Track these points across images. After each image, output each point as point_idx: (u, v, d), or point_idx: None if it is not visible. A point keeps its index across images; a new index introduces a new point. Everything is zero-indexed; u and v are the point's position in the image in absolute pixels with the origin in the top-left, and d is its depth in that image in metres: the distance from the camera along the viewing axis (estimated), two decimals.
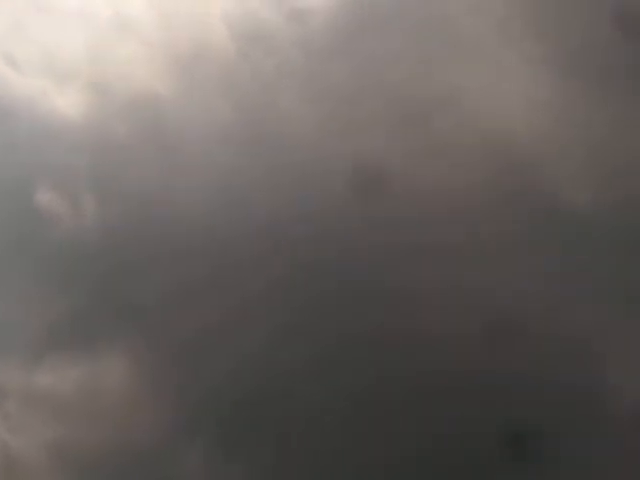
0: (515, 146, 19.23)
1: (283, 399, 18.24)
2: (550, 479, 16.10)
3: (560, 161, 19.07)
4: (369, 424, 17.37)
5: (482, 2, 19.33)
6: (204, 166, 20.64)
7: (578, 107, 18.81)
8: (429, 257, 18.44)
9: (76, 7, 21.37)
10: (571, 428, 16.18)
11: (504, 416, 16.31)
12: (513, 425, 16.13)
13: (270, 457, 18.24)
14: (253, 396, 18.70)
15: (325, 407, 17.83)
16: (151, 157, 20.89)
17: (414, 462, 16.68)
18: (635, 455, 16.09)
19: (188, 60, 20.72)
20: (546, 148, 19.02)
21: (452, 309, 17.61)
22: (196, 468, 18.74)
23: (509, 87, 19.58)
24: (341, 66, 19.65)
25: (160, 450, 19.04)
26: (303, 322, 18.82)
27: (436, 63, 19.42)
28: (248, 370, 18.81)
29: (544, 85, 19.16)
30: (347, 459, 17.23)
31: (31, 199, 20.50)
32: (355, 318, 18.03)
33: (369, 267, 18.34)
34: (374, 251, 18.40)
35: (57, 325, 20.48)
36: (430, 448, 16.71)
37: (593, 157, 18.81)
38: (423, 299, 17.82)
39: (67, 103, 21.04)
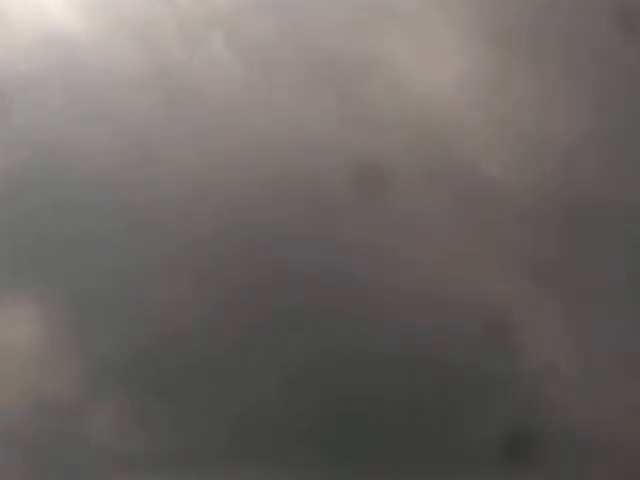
0: (438, 114, 19.30)
1: (194, 353, 18.25)
2: None
3: (482, 132, 19.32)
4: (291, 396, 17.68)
5: None
6: (116, 116, 19.72)
7: (506, 77, 18.97)
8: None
9: None
10: None
11: None
12: None
13: (178, 417, 18.34)
14: (162, 351, 18.59)
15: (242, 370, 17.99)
16: (59, 101, 19.78)
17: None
18: None
19: None
20: (470, 118, 19.19)
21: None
22: (105, 427, 18.65)
23: (437, 53, 19.50)
24: (268, 25, 19.04)
25: (69, 408, 18.82)
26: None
27: (363, 27, 19.08)
28: (159, 322, 18.64)
29: (473, 52, 19.16)
30: (262, 428, 17.54)
31: None
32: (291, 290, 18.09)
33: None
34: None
35: None
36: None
37: (516, 131, 19.15)
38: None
39: None
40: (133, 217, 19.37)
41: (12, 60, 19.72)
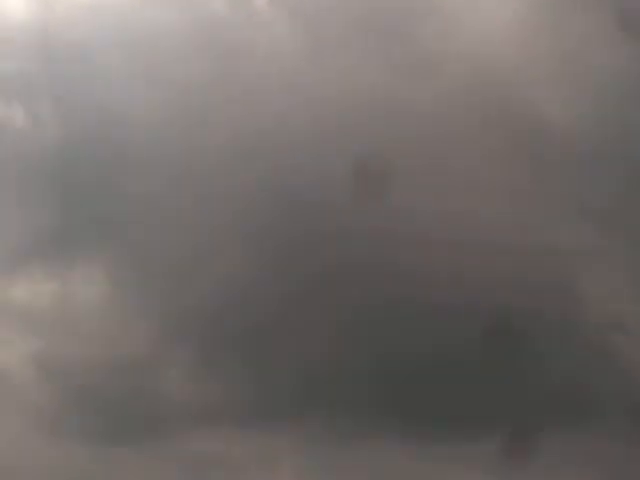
0: (495, 59, 18.73)
1: (263, 315, 18.64)
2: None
3: (540, 75, 18.71)
4: (357, 334, 17.94)
5: None
6: (168, 78, 19.80)
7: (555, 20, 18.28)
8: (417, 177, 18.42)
9: None
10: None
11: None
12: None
13: (249, 374, 18.88)
14: (233, 312, 19.04)
15: (308, 320, 18.31)
16: (114, 65, 19.92)
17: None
18: None
19: None
20: (525, 62, 18.58)
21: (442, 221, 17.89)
22: (181, 382, 19.37)
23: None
24: None
25: (141, 363, 19.52)
26: (286, 237, 18.89)
27: None
28: (228, 285, 19.04)
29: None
30: (330, 372, 17.87)
31: None
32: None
33: None
34: None
35: (31, 239, 20.32)
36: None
37: (575, 73, 18.47)
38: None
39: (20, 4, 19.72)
40: (192, 180, 19.64)
41: (67, 28, 19.93)
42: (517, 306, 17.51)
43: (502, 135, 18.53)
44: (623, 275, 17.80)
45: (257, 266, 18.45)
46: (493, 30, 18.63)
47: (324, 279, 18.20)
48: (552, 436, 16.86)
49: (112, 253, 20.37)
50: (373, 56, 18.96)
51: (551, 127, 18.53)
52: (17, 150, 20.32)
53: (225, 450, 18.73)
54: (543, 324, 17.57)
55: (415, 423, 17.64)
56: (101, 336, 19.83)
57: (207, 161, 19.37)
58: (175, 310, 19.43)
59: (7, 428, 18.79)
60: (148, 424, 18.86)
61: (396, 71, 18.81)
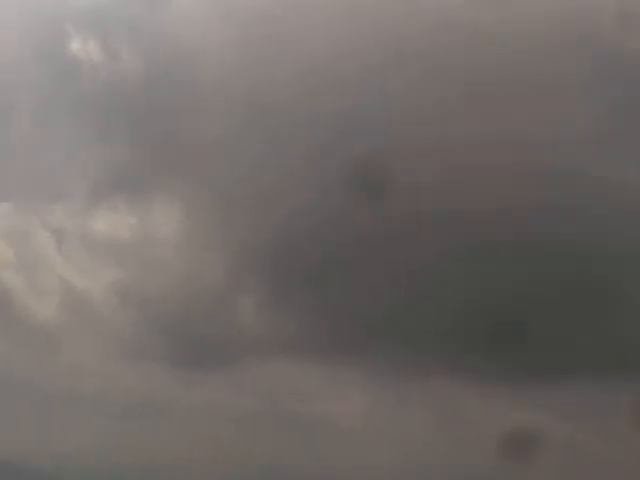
0: None
1: (341, 249, 18.74)
2: None
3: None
4: (438, 273, 17.93)
5: None
6: (243, 6, 19.66)
7: None
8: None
9: None
10: None
11: None
12: None
13: (324, 306, 19.18)
14: (310, 245, 19.17)
15: (378, 263, 18.40)
16: (189, 2, 19.93)
17: None
18: None
19: None
20: None
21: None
22: (250, 313, 19.88)
23: None
24: None
25: (217, 293, 20.08)
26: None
27: None
28: (305, 218, 19.09)
29: None
30: (408, 308, 17.97)
31: (64, 49, 20.07)
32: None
33: None
34: None
35: (110, 172, 20.84)
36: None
37: None
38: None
39: None
40: (267, 114, 19.57)
41: None
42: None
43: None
44: None
45: (337, 200, 18.47)
46: None
47: (407, 220, 18.13)
48: None
49: (190, 187, 20.79)
50: None
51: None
52: (95, 86, 20.65)
53: (297, 379, 19.31)
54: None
55: (495, 362, 17.67)
56: (179, 266, 20.45)
57: (280, 96, 19.30)
58: (251, 242, 19.78)
59: (90, 352, 19.74)
60: (224, 351, 19.55)
61: None
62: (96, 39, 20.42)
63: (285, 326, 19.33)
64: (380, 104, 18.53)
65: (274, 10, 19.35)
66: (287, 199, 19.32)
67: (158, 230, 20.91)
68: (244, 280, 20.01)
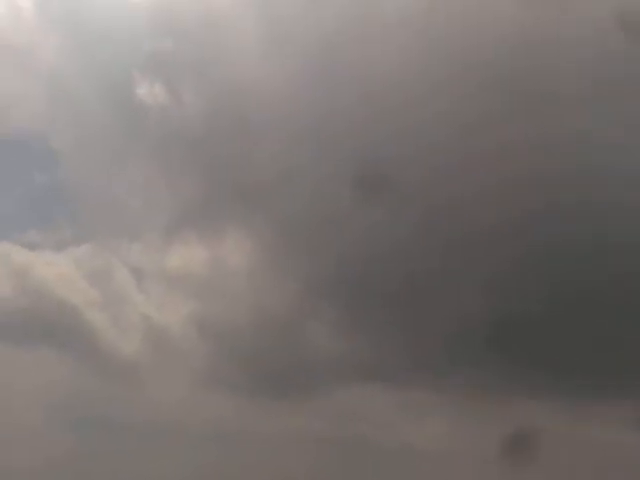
0: None
1: (400, 271, 18.62)
2: None
3: None
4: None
5: None
6: (305, 42, 19.98)
7: None
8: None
9: None
10: None
11: None
12: None
13: (396, 330, 19.00)
14: (378, 269, 19.09)
15: (442, 277, 18.15)
16: (252, 35, 20.43)
17: None
18: None
19: None
20: None
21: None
22: (324, 340, 19.92)
23: None
24: None
25: (290, 322, 20.23)
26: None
27: None
28: (373, 243, 19.06)
29: None
30: (478, 329, 17.57)
31: (135, 93, 20.93)
32: None
33: None
34: None
35: (181, 209, 21.49)
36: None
37: None
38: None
39: None
40: (330, 145, 19.72)
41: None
42: None
43: None
44: None
45: (404, 223, 18.42)
46: None
47: (475, 237, 17.90)
48: None
49: (258, 218, 21.14)
50: None
51: None
52: (161, 126, 21.39)
53: (374, 404, 19.16)
54: None
55: (567, 381, 17.06)
56: (252, 296, 20.78)
57: (343, 126, 19.44)
58: (321, 270, 19.91)
59: (170, 384, 20.22)
60: (298, 379, 19.62)
61: None
62: (162, 83, 21.22)
63: (359, 351, 19.27)
64: (444, 120, 18.41)
65: (336, 40, 19.62)
66: (354, 223, 19.41)
67: (229, 262, 21.37)
68: (316, 306, 20.16)
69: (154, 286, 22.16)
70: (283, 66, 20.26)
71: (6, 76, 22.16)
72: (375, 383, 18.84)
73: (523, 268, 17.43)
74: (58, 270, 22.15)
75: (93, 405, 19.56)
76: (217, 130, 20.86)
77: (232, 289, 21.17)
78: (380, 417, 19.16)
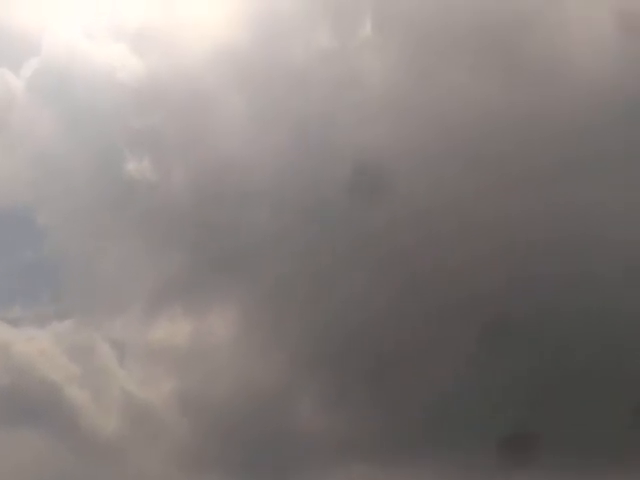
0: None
1: (386, 345, 18.47)
2: None
3: None
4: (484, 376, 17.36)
5: None
6: (285, 113, 20.44)
7: None
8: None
9: None
10: None
11: None
12: None
13: (378, 406, 18.69)
14: (355, 344, 18.96)
15: (434, 358, 17.98)
16: (237, 112, 20.85)
17: None
18: None
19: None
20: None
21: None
22: (309, 415, 19.53)
23: None
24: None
25: (274, 394, 19.85)
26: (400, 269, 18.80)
27: None
28: (356, 318, 18.99)
29: None
30: (458, 413, 17.37)
31: (123, 169, 21.13)
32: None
33: None
34: None
35: (165, 282, 21.35)
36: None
37: None
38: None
39: (143, 65, 21.11)
40: (313, 213, 19.93)
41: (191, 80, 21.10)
42: None
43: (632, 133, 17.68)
44: None
45: (387, 295, 18.38)
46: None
47: (456, 312, 17.84)
48: None
49: (243, 291, 21.03)
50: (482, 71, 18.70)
51: None
52: (148, 201, 21.50)
53: None
54: None
55: (554, 456, 16.69)
56: (236, 371, 20.43)
57: (328, 195, 19.66)
58: (307, 339, 19.73)
59: (153, 462, 19.63)
60: (283, 455, 19.10)
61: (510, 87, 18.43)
62: (150, 159, 21.46)
63: (345, 427, 18.86)
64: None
65: (321, 118, 20.08)
66: (340, 293, 19.36)
67: (214, 335, 21.10)
68: (302, 380, 19.83)
69: (137, 361, 21.78)
70: (269, 142, 20.67)
71: None
72: (360, 460, 18.39)
73: (508, 341, 17.31)
74: (39, 346, 21.78)
75: None
76: (203, 204, 21.05)
77: (216, 363, 20.86)
78: None
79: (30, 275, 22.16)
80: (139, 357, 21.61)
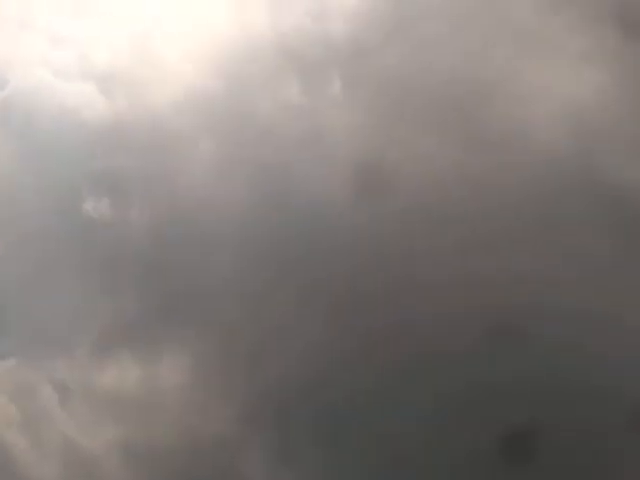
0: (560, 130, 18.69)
1: (344, 404, 18.30)
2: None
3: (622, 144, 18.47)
4: (430, 435, 17.31)
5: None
6: (249, 163, 20.56)
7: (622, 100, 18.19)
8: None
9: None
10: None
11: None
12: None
13: (325, 459, 18.41)
14: (308, 393, 18.77)
15: (384, 415, 17.87)
16: (201, 158, 20.89)
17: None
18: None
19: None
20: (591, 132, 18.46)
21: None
22: (255, 465, 19.11)
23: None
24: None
25: (221, 448, 19.44)
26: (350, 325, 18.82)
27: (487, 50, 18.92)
28: (308, 369, 18.86)
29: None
30: (405, 468, 17.24)
31: (80, 207, 20.84)
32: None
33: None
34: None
35: (116, 325, 20.89)
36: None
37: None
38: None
39: (111, 107, 21.05)
40: (270, 260, 19.94)
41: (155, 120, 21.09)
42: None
43: (583, 203, 18.22)
44: None
45: (340, 341, 18.30)
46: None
47: (405, 367, 17.83)
48: None
49: (196, 338, 20.69)
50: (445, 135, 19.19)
51: (633, 193, 18.08)
52: (105, 241, 21.23)
53: None
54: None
55: None
56: (184, 420, 19.94)
57: (284, 244, 19.72)
58: (257, 391, 19.43)
59: None
60: None
61: (469, 149, 18.92)
62: (109, 199, 21.25)
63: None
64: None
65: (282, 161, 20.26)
66: (295, 344, 19.20)
67: (164, 383, 20.59)
68: (251, 431, 19.42)
69: (80, 406, 21.10)
70: (230, 190, 20.70)
71: None
72: None
73: (467, 403, 17.32)
74: None
75: None
76: (159, 248, 20.82)
77: (163, 412, 20.32)
78: None
79: None
80: (83, 402, 20.98)
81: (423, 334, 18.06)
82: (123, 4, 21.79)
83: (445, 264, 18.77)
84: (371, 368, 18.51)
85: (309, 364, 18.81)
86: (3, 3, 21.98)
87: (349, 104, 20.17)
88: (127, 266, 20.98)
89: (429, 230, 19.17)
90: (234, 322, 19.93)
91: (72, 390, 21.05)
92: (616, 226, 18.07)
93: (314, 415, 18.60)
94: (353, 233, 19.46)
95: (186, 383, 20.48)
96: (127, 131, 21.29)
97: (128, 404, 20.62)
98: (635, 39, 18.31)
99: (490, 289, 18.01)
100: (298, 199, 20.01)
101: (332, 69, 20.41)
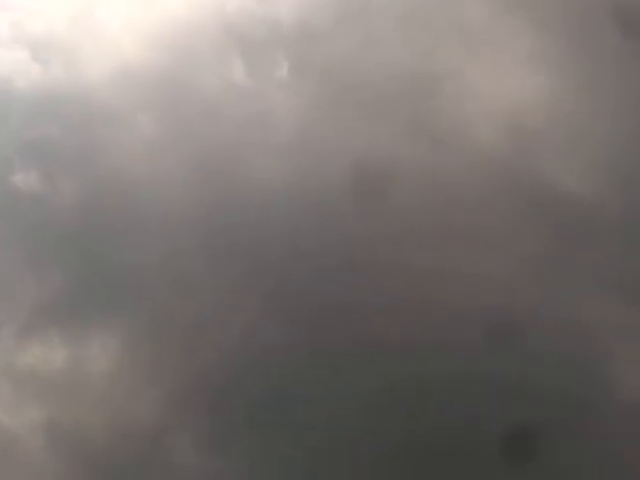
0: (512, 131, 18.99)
1: (278, 390, 18.30)
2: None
3: (559, 147, 18.91)
4: (365, 422, 17.55)
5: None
6: (190, 141, 20.08)
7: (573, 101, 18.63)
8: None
9: None
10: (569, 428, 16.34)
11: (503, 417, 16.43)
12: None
13: (260, 451, 18.40)
14: (238, 380, 18.69)
15: (319, 401, 17.94)
16: (138, 133, 20.26)
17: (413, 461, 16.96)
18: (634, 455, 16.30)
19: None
20: (544, 134, 18.83)
21: (451, 306, 17.69)
22: (184, 453, 18.95)
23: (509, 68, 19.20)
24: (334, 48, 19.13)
25: (149, 431, 19.18)
26: (296, 310, 18.75)
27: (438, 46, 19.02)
28: (241, 354, 18.75)
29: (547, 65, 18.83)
30: (340, 455, 17.41)
31: (9, 179, 19.93)
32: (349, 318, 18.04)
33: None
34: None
35: (44, 304, 20.23)
36: (429, 448, 17.01)
37: (594, 145, 18.68)
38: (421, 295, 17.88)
39: (46, 76, 20.11)
40: (204, 243, 19.63)
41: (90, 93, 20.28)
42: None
43: (520, 205, 18.60)
44: None
45: (274, 331, 18.21)
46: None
47: (347, 352, 17.89)
48: None
49: (126, 319, 20.22)
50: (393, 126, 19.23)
51: (569, 197, 18.61)
52: (33, 215, 20.42)
53: None
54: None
55: None
56: (113, 403, 19.52)
57: (221, 225, 19.44)
58: (189, 373, 19.17)
59: None
60: None
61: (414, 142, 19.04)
62: (40, 172, 20.41)
63: (220, 469, 18.37)
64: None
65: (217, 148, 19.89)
66: (225, 329, 19.02)
67: (91, 365, 20.08)
68: (179, 416, 19.19)
69: (2, 385, 20.38)
70: (168, 168, 20.17)
71: None
72: None
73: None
74: None
75: None
76: (91, 225, 20.17)
77: (90, 394, 19.82)
78: None
79: None
80: (6, 381, 20.28)
81: (365, 320, 18.18)
82: None
83: (374, 254, 18.90)
84: (308, 352, 18.53)
85: (245, 348, 18.68)
86: None
87: (295, 88, 19.93)
88: (55, 243, 20.25)
89: (366, 218, 19.24)
90: (167, 304, 19.54)
91: None
92: (552, 227, 18.58)
93: (248, 400, 18.50)
94: (293, 218, 19.35)
95: (115, 365, 20.03)
96: (61, 102, 20.42)
97: (53, 385, 20.05)
98: (578, 43, 18.76)
99: (428, 283, 18.26)
100: (240, 181, 19.71)
101: (279, 52, 20.10)
